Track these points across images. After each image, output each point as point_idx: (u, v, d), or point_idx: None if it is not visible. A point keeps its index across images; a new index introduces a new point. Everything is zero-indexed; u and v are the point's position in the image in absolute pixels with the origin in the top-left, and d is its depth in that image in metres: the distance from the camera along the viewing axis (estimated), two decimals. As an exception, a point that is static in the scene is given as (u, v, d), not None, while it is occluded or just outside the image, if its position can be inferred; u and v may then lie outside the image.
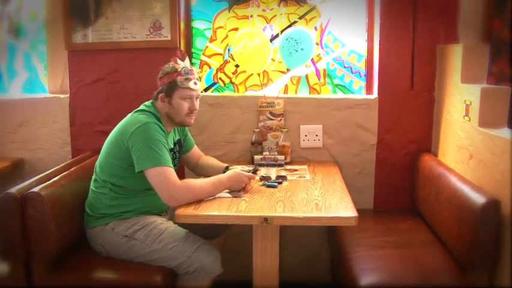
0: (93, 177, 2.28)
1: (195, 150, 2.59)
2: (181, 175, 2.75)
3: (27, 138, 2.95)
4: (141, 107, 2.29)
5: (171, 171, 2.07)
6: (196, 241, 2.14)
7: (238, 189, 2.16)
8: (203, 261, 2.09)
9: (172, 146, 2.33)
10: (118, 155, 2.15)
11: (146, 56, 2.81)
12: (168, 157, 2.10)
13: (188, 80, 2.21)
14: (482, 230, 1.89)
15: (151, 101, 2.30)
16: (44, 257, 2.06)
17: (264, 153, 2.72)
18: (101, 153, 2.27)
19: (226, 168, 2.36)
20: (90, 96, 2.89)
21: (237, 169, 2.27)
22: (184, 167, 2.68)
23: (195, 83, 2.23)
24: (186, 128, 2.49)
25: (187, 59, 2.27)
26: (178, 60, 2.24)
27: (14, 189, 2.02)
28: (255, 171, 2.34)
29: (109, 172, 2.20)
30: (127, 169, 2.14)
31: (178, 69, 2.21)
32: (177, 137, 2.42)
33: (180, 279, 2.15)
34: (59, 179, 2.20)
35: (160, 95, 2.23)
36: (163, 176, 2.04)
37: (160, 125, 2.19)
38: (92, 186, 2.27)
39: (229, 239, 2.61)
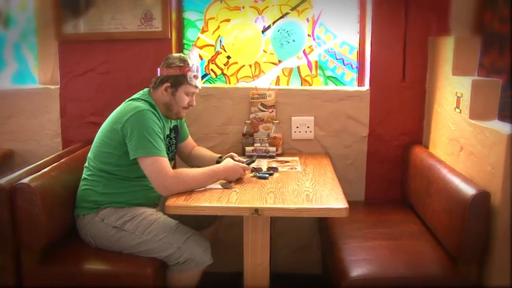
0: (86, 165, 2.28)
1: (189, 141, 2.59)
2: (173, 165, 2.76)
3: (17, 129, 2.92)
4: (136, 95, 2.29)
5: (164, 161, 2.07)
6: (185, 232, 2.14)
7: (233, 180, 2.17)
8: (193, 252, 2.09)
9: (168, 133, 2.33)
10: (113, 143, 2.15)
11: (137, 46, 2.80)
12: (162, 146, 2.10)
13: (196, 77, 2.26)
14: (472, 222, 1.90)
15: (147, 89, 2.31)
16: (33, 249, 2.05)
17: (256, 144, 2.72)
18: (94, 140, 2.26)
19: (219, 159, 2.37)
20: (81, 87, 2.87)
21: (234, 158, 2.29)
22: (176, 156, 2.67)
23: (200, 81, 2.31)
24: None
25: (198, 55, 2.32)
26: (190, 55, 2.28)
27: (3, 181, 2.01)
28: (250, 163, 2.34)
29: (103, 160, 2.19)
30: (121, 156, 2.14)
31: (190, 65, 2.24)
32: (174, 123, 2.42)
33: (170, 271, 2.15)
34: (49, 170, 2.18)
35: (165, 84, 2.23)
36: (156, 165, 2.05)
37: (156, 112, 2.19)
38: (84, 174, 2.27)
39: (220, 230, 2.61)
